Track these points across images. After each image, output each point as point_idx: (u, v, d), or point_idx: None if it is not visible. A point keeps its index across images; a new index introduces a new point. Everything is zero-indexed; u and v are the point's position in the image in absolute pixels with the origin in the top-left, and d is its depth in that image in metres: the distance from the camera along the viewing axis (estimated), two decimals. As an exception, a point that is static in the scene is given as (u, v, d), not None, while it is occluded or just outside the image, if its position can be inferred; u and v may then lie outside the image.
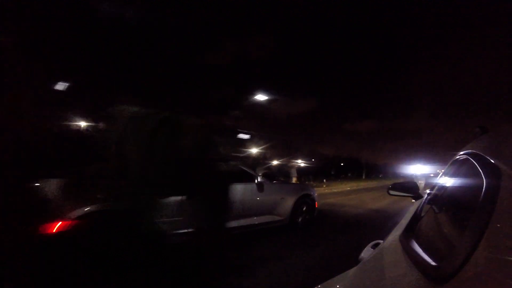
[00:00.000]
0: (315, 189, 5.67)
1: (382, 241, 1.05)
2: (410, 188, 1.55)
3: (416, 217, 0.95)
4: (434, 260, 0.52)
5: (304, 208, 4.14)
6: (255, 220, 3.38)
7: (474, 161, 0.61)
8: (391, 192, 1.58)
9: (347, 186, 15.70)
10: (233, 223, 3.11)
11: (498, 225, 0.38)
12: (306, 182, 17.32)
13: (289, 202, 3.83)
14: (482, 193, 0.46)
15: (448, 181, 0.91)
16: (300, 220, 4.03)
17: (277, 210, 3.66)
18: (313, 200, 4.32)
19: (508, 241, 0.36)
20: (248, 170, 3.78)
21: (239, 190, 3.33)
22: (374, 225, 4.58)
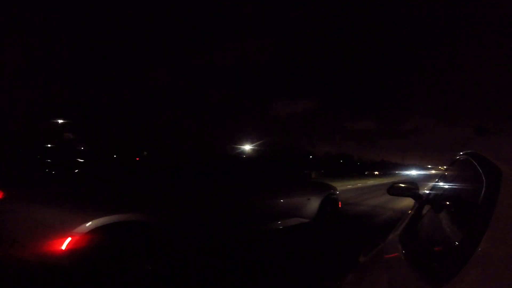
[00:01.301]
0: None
1: (382, 241, 1.05)
2: (410, 188, 1.56)
3: (416, 217, 0.96)
4: (434, 260, 0.52)
5: (329, 209, 3.87)
6: (280, 224, 3.14)
7: (474, 161, 0.61)
8: (391, 191, 1.59)
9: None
10: (259, 227, 2.92)
11: (498, 225, 0.38)
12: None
13: (315, 203, 3.57)
14: (482, 193, 0.46)
15: (448, 181, 0.91)
16: (325, 221, 3.77)
17: (303, 212, 3.41)
18: (337, 200, 4.10)
19: (508, 241, 0.36)
20: (274, 168, 3.61)
21: (267, 191, 3.16)
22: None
